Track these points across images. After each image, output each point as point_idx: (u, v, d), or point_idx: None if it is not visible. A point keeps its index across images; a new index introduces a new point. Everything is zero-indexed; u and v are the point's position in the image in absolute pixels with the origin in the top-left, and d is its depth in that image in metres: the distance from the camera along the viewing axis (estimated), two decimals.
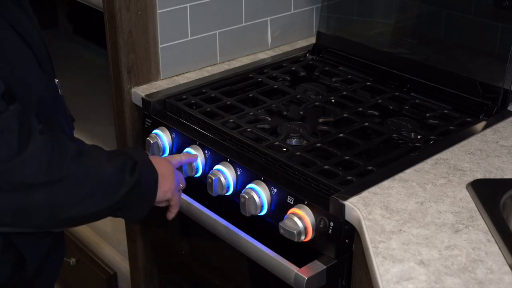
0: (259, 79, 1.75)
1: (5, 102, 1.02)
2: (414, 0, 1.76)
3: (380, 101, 1.63)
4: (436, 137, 1.45)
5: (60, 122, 1.22)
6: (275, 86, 1.72)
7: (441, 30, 1.70)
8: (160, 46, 1.69)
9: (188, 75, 1.77)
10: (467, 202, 1.21)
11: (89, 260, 2.13)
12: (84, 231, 2.16)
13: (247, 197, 1.33)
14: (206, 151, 1.46)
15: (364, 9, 1.89)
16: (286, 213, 1.29)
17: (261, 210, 1.34)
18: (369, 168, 1.33)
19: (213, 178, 1.40)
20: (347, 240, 1.24)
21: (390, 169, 1.31)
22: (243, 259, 1.41)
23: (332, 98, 1.65)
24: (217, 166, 1.41)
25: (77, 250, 2.16)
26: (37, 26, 1.20)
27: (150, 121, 1.61)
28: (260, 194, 1.33)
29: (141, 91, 1.67)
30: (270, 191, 1.33)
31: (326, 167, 1.33)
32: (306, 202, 1.27)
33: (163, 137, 1.55)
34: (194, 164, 1.46)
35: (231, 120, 1.53)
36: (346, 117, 1.56)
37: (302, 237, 1.26)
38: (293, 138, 1.45)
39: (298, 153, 1.39)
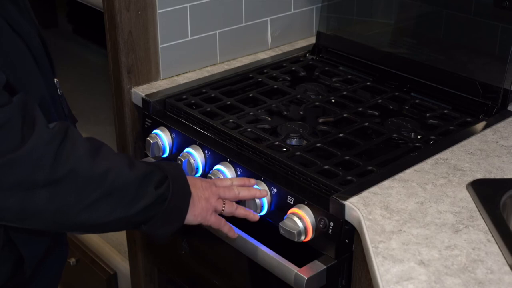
0: (259, 79, 1.75)
1: (7, 94, 0.97)
2: (414, 0, 1.76)
3: (380, 101, 1.63)
4: (436, 137, 1.45)
5: (56, 121, 1.19)
6: (275, 86, 1.72)
7: (441, 30, 1.70)
8: (160, 46, 1.69)
9: (188, 75, 1.77)
10: (467, 202, 1.21)
11: (89, 260, 2.13)
12: None
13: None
14: (206, 151, 1.46)
15: (364, 9, 1.89)
16: (286, 213, 1.29)
17: (261, 210, 1.34)
18: (369, 168, 1.33)
19: (213, 178, 1.39)
20: (347, 240, 1.24)
21: (390, 169, 1.31)
22: (243, 259, 1.41)
23: (332, 98, 1.65)
24: (217, 166, 1.41)
25: (77, 250, 2.16)
26: (36, 24, 1.18)
27: (150, 121, 1.61)
28: None
29: (141, 91, 1.67)
30: (270, 191, 1.33)
31: (326, 167, 1.33)
32: (306, 202, 1.27)
33: (163, 137, 1.55)
34: (194, 163, 1.46)
35: (231, 120, 1.53)
36: (346, 117, 1.56)
37: (302, 237, 1.26)
38: (293, 138, 1.45)
39: (298, 153, 1.39)
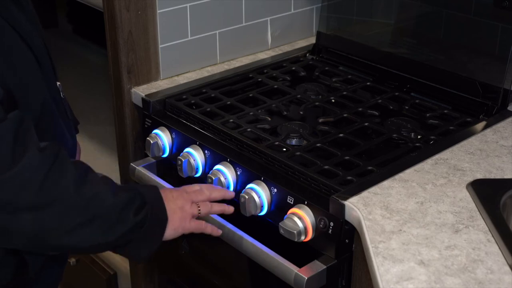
0: (259, 79, 1.75)
1: (3, 110, 0.97)
2: (414, 0, 1.76)
3: (380, 101, 1.63)
4: (436, 137, 1.45)
5: (61, 125, 1.18)
6: (275, 86, 1.72)
7: (441, 30, 1.70)
8: (160, 46, 1.69)
9: (188, 75, 1.77)
10: (467, 202, 1.21)
11: (89, 260, 2.13)
12: None
13: (247, 197, 1.33)
14: (206, 151, 1.46)
15: (364, 9, 1.89)
16: (286, 213, 1.29)
17: (261, 210, 1.34)
18: (369, 168, 1.33)
19: (213, 178, 1.39)
20: (347, 240, 1.24)
21: (390, 169, 1.31)
22: (243, 259, 1.41)
23: (332, 98, 1.65)
24: (217, 166, 1.41)
25: None
26: (39, 26, 1.17)
27: (150, 121, 1.60)
28: (260, 194, 1.33)
29: (141, 91, 1.67)
30: (270, 191, 1.33)
31: (326, 167, 1.33)
32: (306, 202, 1.27)
33: (163, 137, 1.55)
34: (194, 163, 1.46)
35: (231, 120, 1.53)
36: (346, 117, 1.56)
37: (302, 237, 1.26)
38: (293, 138, 1.45)
39: (298, 153, 1.39)
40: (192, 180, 1.48)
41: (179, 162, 1.47)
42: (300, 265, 1.24)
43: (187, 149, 1.49)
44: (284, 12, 1.92)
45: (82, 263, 2.15)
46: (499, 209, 1.16)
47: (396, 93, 1.67)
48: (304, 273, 1.22)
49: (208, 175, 1.41)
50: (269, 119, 1.55)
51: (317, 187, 1.29)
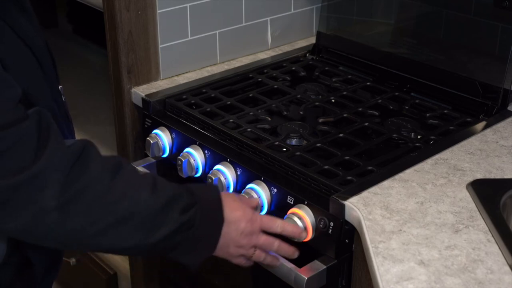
0: (259, 79, 1.75)
1: (23, 108, 0.94)
2: (414, 0, 1.76)
3: (380, 101, 1.63)
4: (436, 137, 1.45)
5: (63, 129, 1.15)
6: (275, 86, 1.72)
7: (441, 30, 1.70)
8: (160, 46, 1.69)
9: (188, 75, 1.77)
10: (467, 202, 1.21)
11: (89, 260, 2.13)
12: None
13: (247, 197, 1.33)
14: (206, 151, 1.46)
15: (364, 9, 1.89)
16: (286, 213, 1.29)
17: (261, 210, 1.34)
18: (369, 168, 1.33)
19: (213, 178, 1.39)
20: (347, 240, 1.24)
21: (390, 169, 1.31)
22: None
23: (332, 98, 1.65)
24: (217, 166, 1.41)
25: (77, 250, 2.16)
26: (38, 28, 1.16)
27: (150, 121, 1.60)
28: (260, 194, 1.33)
29: (141, 91, 1.67)
30: (270, 191, 1.33)
31: (326, 167, 1.33)
32: (306, 202, 1.27)
33: (163, 137, 1.55)
34: (194, 163, 1.46)
35: (231, 120, 1.53)
36: (346, 117, 1.56)
37: (302, 237, 1.26)
38: (293, 138, 1.45)
39: (298, 153, 1.39)
40: (192, 180, 1.48)
41: (179, 162, 1.47)
42: (300, 265, 1.24)
43: (187, 149, 1.49)
44: (284, 12, 1.92)
45: (82, 263, 2.15)
46: (499, 209, 1.16)
47: (396, 93, 1.67)
48: (304, 273, 1.22)
49: (208, 175, 1.41)
50: (269, 119, 1.55)
51: (317, 187, 1.29)
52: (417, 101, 1.63)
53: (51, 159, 0.93)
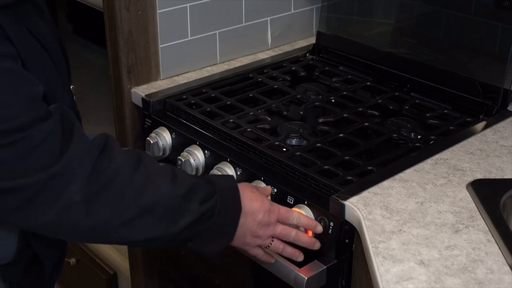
0: (259, 79, 1.75)
1: (46, 106, 0.95)
2: (414, 0, 1.76)
3: (380, 101, 1.63)
4: (436, 137, 1.45)
5: None
6: (275, 86, 1.72)
7: (441, 30, 1.70)
8: (160, 46, 1.69)
9: (188, 75, 1.77)
10: (467, 202, 1.21)
11: (89, 260, 2.13)
12: None
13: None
14: (206, 151, 1.46)
15: (364, 9, 1.89)
16: None
17: None
18: (369, 168, 1.33)
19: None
20: (347, 240, 1.24)
21: (390, 169, 1.31)
22: (243, 259, 1.41)
23: (332, 98, 1.65)
24: (217, 166, 1.41)
25: (77, 250, 2.16)
26: (55, 30, 1.14)
27: (150, 121, 1.61)
28: None
29: (141, 91, 1.67)
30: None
31: (326, 167, 1.33)
32: (306, 202, 1.27)
33: (163, 137, 1.55)
34: (194, 163, 1.46)
35: (231, 120, 1.53)
36: (346, 117, 1.56)
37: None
38: (293, 138, 1.45)
39: (298, 153, 1.39)
40: None
41: (179, 162, 1.47)
42: (300, 265, 1.24)
43: (187, 149, 1.49)
44: (284, 12, 1.92)
45: (82, 263, 2.15)
46: (499, 209, 1.16)
47: (396, 93, 1.67)
48: (304, 273, 1.22)
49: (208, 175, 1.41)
50: (269, 119, 1.55)
51: (317, 187, 1.29)
52: (417, 101, 1.63)
53: (75, 154, 0.95)
